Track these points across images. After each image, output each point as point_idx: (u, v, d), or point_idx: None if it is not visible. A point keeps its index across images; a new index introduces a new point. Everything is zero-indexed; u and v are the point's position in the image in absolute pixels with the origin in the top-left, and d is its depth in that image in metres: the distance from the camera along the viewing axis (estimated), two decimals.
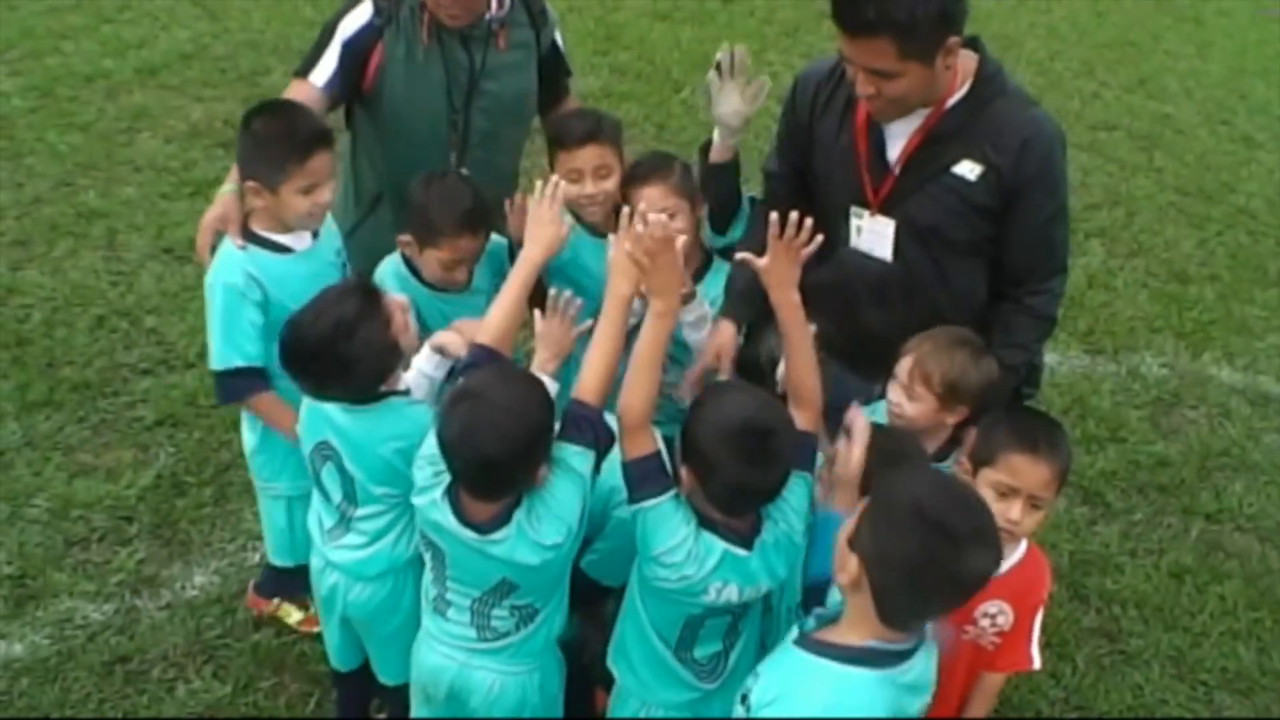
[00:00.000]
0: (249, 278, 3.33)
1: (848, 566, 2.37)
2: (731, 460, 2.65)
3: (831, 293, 3.29)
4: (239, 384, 3.41)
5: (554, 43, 4.00)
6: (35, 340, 5.22)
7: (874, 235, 3.29)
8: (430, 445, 2.84)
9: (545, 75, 3.98)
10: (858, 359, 3.37)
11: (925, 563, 2.27)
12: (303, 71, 3.73)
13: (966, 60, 3.12)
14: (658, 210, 3.40)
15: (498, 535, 2.81)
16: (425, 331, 3.35)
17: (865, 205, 3.28)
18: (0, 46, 7.94)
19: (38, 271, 5.62)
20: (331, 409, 3.08)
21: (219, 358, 3.38)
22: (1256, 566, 4.77)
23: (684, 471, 2.79)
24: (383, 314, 3.01)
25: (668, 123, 7.97)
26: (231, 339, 3.35)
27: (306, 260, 3.44)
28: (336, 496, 3.17)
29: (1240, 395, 5.88)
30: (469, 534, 2.83)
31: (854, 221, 3.31)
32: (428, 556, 3.03)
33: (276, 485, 3.65)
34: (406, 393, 3.12)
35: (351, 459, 3.08)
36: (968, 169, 3.12)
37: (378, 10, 3.69)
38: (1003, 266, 3.27)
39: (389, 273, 3.68)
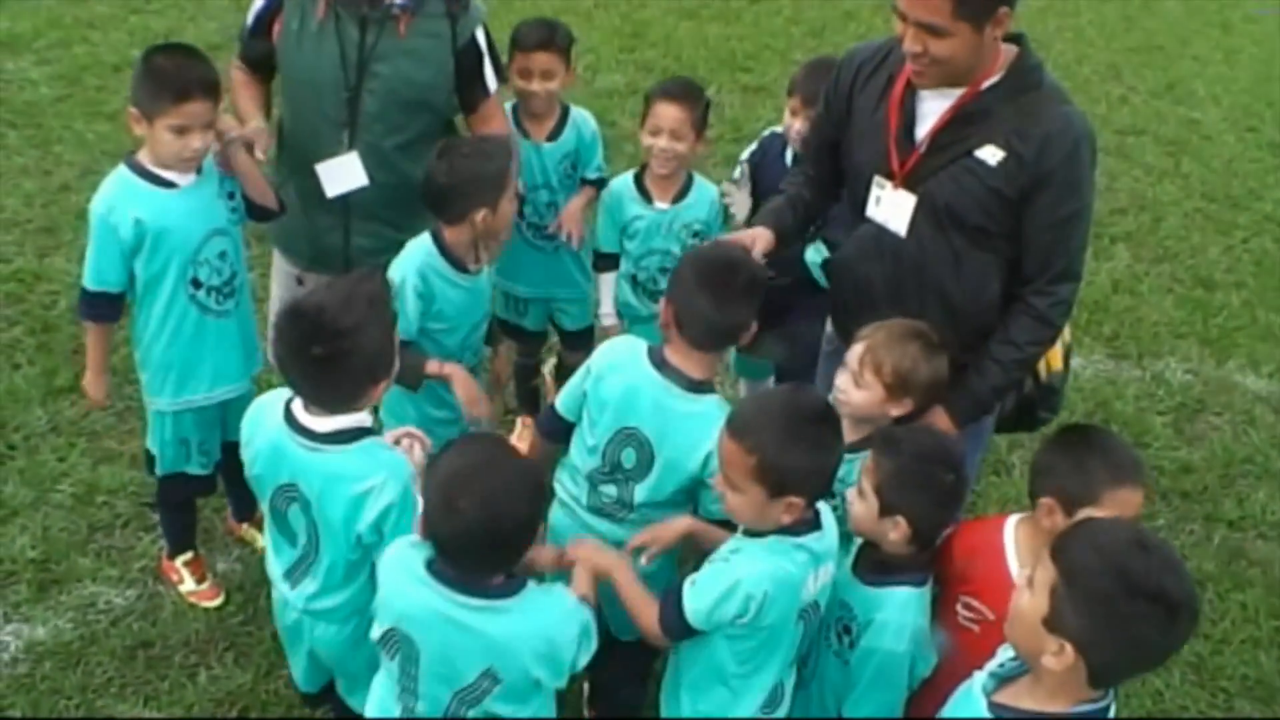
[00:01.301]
0: (123, 211, 3.49)
1: (1058, 654, 2.21)
2: (702, 295, 3.01)
3: (845, 274, 3.52)
4: (97, 308, 3.64)
5: (472, 38, 3.87)
6: (61, 327, 5.25)
7: (892, 207, 3.30)
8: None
9: (462, 72, 3.89)
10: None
11: (1152, 638, 2.19)
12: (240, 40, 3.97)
13: (1007, 50, 3.16)
14: (668, 128, 4.06)
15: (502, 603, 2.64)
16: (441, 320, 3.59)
17: (889, 176, 3.30)
18: (29, 35, 7.99)
19: (64, 259, 5.65)
20: (299, 450, 2.89)
21: (85, 278, 3.61)
22: (1279, 574, 4.75)
23: (665, 310, 3.11)
24: (391, 314, 2.99)
25: None
26: (98, 264, 3.56)
27: (192, 194, 3.57)
28: (301, 539, 3.01)
29: (1264, 402, 5.85)
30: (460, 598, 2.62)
31: (875, 191, 3.34)
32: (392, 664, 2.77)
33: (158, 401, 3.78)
34: (379, 432, 3.01)
35: (319, 504, 2.91)
36: (990, 153, 3.13)
37: None
38: (1019, 263, 3.25)
39: (423, 264, 3.60)
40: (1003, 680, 2.42)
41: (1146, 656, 2.27)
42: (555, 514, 3.34)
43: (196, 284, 3.62)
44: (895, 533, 2.88)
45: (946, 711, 2.51)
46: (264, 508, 3.10)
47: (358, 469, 2.86)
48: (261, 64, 3.91)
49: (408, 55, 3.75)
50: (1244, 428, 5.64)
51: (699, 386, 3.12)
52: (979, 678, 2.47)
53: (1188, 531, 4.93)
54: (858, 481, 2.96)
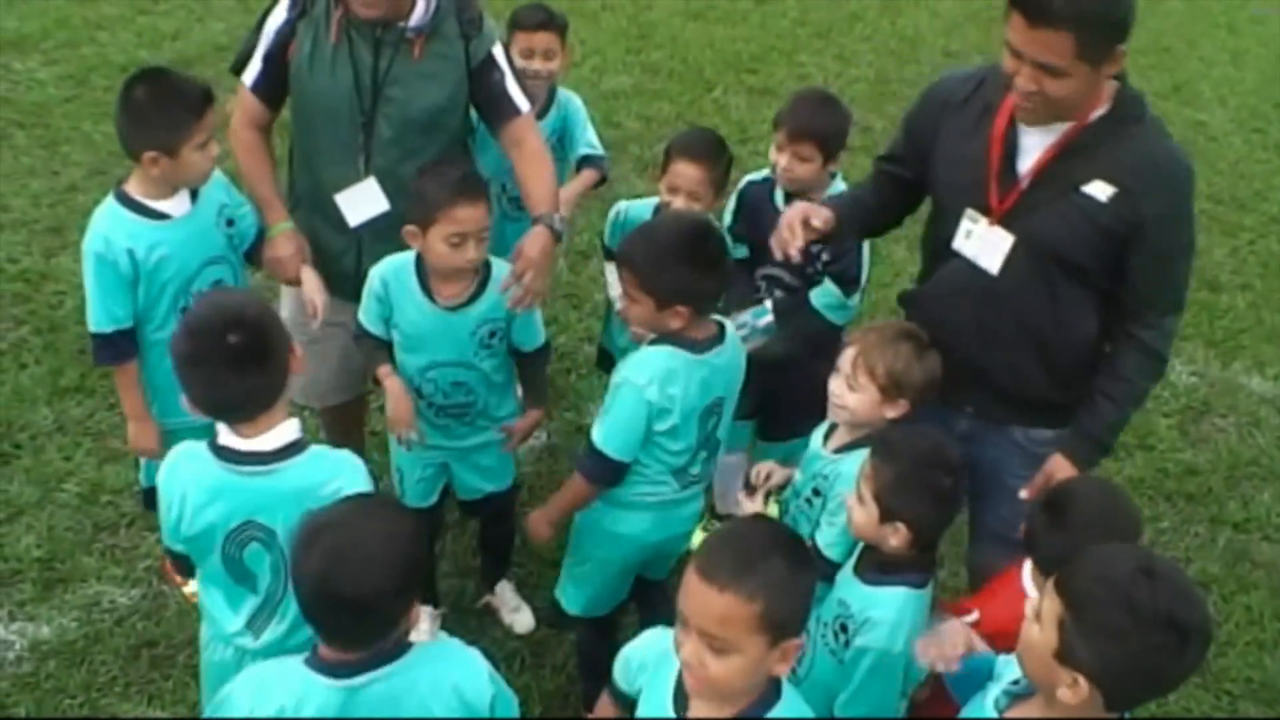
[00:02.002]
0: (118, 246, 3.43)
1: (1073, 687, 2.19)
2: (678, 262, 3.17)
3: (931, 308, 3.37)
4: (116, 346, 3.55)
5: (489, 57, 3.72)
6: (68, 327, 5.26)
7: (985, 244, 3.19)
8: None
9: (480, 92, 3.75)
10: (944, 381, 3.29)
11: (1167, 666, 2.18)
12: (236, 68, 3.81)
13: (1109, 82, 3.06)
14: (686, 189, 3.91)
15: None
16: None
17: (984, 212, 3.18)
18: (37, 36, 8.01)
19: (71, 259, 5.65)
20: (251, 481, 2.76)
21: (92, 321, 3.54)
22: None
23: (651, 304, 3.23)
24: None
25: (699, 121, 7.93)
26: (104, 303, 3.49)
27: (186, 225, 3.53)
28: (264, 581, 2.86)
29: (1270, 405, 5.83)
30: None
31: (965, 224, 3.22)
32: None
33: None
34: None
35: (287, 527, 2.74)
36: (1099, 189, 3.03)
37: (293, 2, 3.64)
38: (1118, 299, 3.18)
39: (394, 272, 3.57)
40: (1016, 697, 2.41)
41: (1162, 683, 2.25)
42: (641, 521, 3.44)
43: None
44: (896, 538, 2.89)
45: None
46: (209, 564, 2.88)
47: (320, 473, 2.79)
48: (276, 90, 3.75)
49: (421, 77, 3.63)
50: (1249, 430, 5.64)
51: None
52: (993, 691, 2.47)
53: (1192, 534, 4.93)
54: (856, 488, 2.97)
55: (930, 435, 3.07)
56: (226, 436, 2.78)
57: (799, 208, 3.38)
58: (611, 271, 4.30)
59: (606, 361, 4.58)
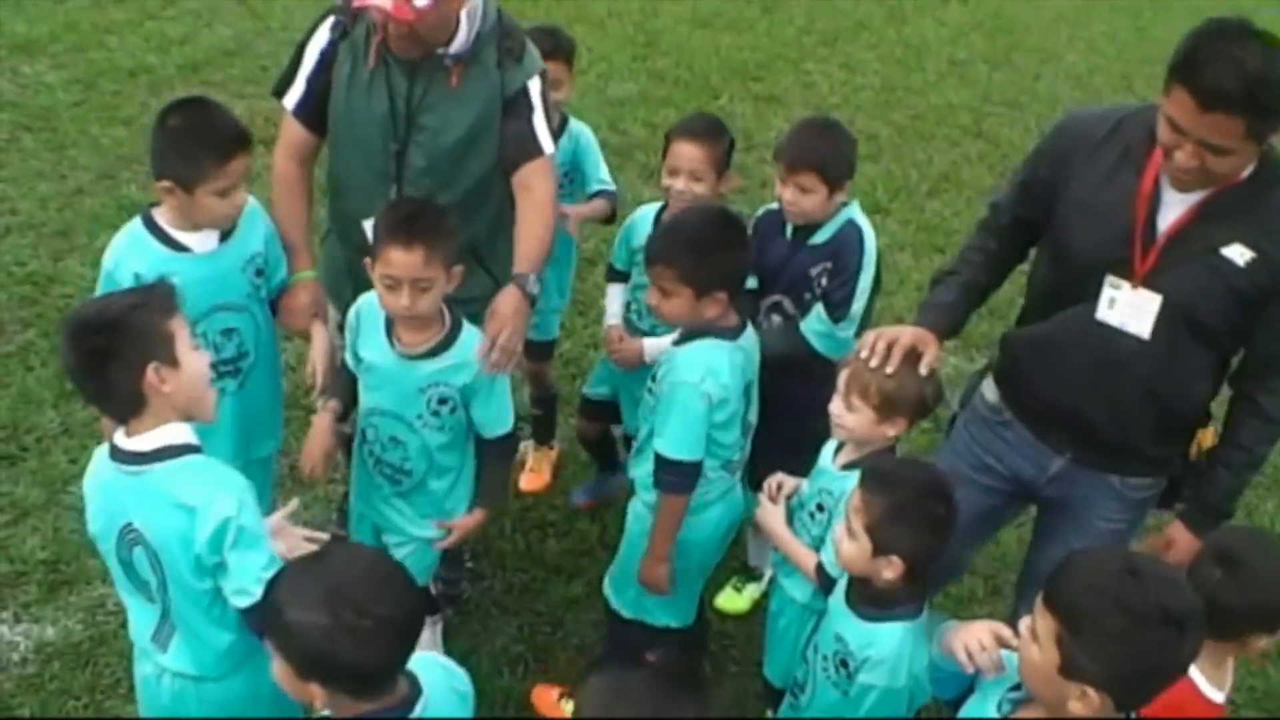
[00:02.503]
0: (127, 268, 3.28)
1: (1083, 699, 2.19)
2: (715, 249, 3.30)
3: (1045, 353, 3.23)
4: None
5: (523, 89, 3.55)
6: None
7: (1132, 309, 3.05)
8: None
9: (507, 125, 3.55)
10: (1046, 424, 3.28)
11: (1171, 657, 2.19)
12: (279, 91, 3.68)
13: None
14: (687, 169, 3.88)
15: None
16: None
17: (1126, 276, 3.04)
18: (45, 40, 8.04)
19: (78, 262, 5.68)
20: (126, 479, 2.67)
21: None
22: None
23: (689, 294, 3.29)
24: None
25: None
26: None
27: (205, 264, 3.33)
28: (153, 586, 2.74)
29: None
30: None
31: (1108, 292, 3.07)
32: None
33: None
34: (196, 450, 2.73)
35: (152, 531, 2.66)
36: (1237, 253, 2.93)
37: (335, 24, 3.53)
38: (1243, 360, 3.12)
39: (370, 303, 3.39)
40: (1018, 703, 2.41)
41: (1169, 674, 2.25)
42: (710, 520, 3.53)
43: None
44: (890, 570, 2.81)
45: None
46: (113, 568, 2.80)
47: (182, 483, 2.63)
48: (320, 115, 3.61)
49: (457, 106, 3.48)
50: None
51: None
52: (993, 694, 2.46)
53: None
54: (845, 519, 2.89)
55: (920, 464, 3.05)
56: (118, 434, 2.71)
57: (899, 339, 3.11)
58: (615, 293, 4.26)
59: (592, 410, 4.51)
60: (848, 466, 3.19)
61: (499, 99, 3.51)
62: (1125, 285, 3.04)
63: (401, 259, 3.10)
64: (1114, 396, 3.14)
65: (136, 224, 3.36)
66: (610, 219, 4.62)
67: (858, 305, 3.71)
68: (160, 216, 3.34)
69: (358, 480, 3.61)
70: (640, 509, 3.54)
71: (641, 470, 3.48)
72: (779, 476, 3.44)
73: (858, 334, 3.67)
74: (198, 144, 3.20)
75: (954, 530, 2.89)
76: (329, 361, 3.51)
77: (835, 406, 3.17)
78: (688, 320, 3.35)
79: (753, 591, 4.39)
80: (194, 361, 2.68)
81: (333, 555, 2.60)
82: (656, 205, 4.15)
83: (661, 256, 3.33)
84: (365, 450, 3.51)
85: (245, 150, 3.27)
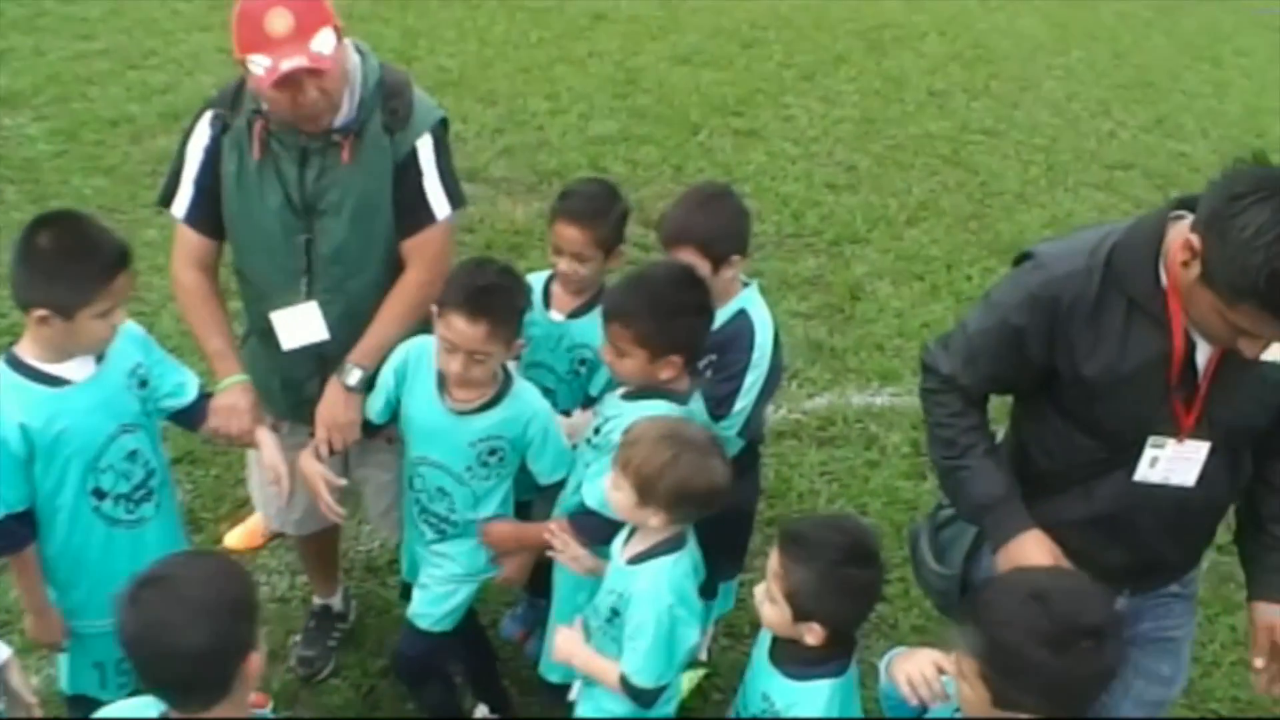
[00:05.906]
0: (8, 419, 2.96)
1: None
2: (677, 313, 3.17)
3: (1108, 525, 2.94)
4: (2, 536, 3.05)
5: (412, 152, 3.31)
6: None
7: (1178, 463, 2.86)
8: None
9: (396, 192, 3.32)
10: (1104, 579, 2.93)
11: (1100, 667, 2.23)
12: (165, 199, 3.44)
13: None
14: (570, 251, 3.50)
15: None
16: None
17: (1171, 434, 2.83)
18: (28, 91, 8.09)
19: None
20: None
21: None
22: None
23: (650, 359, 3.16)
24: None
25: (685, 164, 8.04)
26: None
27: (90, 391, 3.04)
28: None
29: None
30: None
31: (1150, 453, 2.85)
32: None
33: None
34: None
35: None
36: (1276, 352, 2.73)
37: (214, 118, 3.31)
38: (1271, 448, 2.98)
39: (419, 352, 3.34)
40: None
41: (1099, 682, 2.27)
42: None
43: (100, 494, 3.08)
44: (812, 636, 2.69)
45: None
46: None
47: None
48: (214, 218, 3.38)
49: (351, 182, 3.26)
50: None
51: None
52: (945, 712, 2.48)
53: None
54: (767, 583, 2.74)
55: (842, 525, 2.91)
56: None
57: (1028, 560, 2.81)
58: None
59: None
60: (636, 560, 3.02)
61: (390, 167, 3.30)
62: (1170, 442, 2.84)
63: (464, 330, 3.07)
64: (1184, 538, 3.02)
65: (3, 368, 3.01)
66: None
67: (742, 404, 3.41)
68: (25, 353, 3.01)
69: (406, 519, 3.55)
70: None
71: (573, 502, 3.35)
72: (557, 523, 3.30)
73: (741, 432, 3.46)
74: (77, 265, 2.90)
75: (879, 590, 2.81)
76: (286, 465, 3.32)
77: (606, 479, 3.04)
78: (640, 381, 3.21)
79: (691, 676, 3.97)
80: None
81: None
82: (548, 274, 3.72)
83: (619, 316, 3.17)
84: (412, 497, 3.44)
85: (128, 265, 2.99)
